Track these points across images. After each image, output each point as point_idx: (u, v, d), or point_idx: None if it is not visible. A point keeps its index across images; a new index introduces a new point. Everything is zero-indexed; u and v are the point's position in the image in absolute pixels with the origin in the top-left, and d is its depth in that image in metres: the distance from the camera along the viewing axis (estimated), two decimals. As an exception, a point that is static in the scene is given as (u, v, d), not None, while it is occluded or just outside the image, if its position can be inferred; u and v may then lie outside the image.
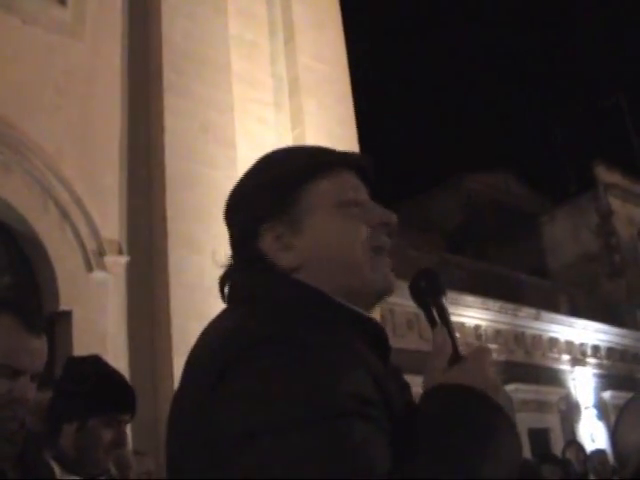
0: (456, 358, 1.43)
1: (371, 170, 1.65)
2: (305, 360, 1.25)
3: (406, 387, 1.52)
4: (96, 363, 2.95)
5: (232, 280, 1.54)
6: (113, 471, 2.93)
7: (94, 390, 2.75)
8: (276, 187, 1.52)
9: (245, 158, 9.46)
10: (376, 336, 1.49)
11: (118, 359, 8.55)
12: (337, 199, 1.52)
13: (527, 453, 16.47)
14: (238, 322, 1.37)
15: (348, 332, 1.37)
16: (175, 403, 1.42)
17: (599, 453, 10.24)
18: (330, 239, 1.49)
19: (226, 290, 1.56)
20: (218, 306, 1.55)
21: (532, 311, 19.10)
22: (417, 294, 1.54)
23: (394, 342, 1.59)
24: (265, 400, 1.21)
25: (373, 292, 1.53)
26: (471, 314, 17.35)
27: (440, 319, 1.51)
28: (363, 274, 1.49)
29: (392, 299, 1.59)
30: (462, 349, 1.48)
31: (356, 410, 1.21)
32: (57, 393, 2.78)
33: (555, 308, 20.72)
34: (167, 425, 1.44)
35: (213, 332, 1.42)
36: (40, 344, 2.06)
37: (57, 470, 2.60)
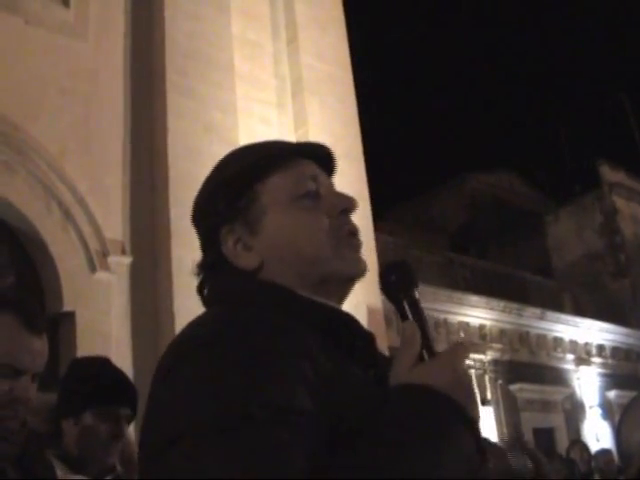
0: (429, 353, 1.36)
1: (331, 158, 1.64)
2: (232, 368, 1.22)
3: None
4: (102, 365, 2.96)
5: (202, 285, 1.55)
6: (120, 469, 2.93)
7: (91, 385, 2.77)
8: (228, 190, 1.52)
9: (248, 158, 9.44)
10: (346, 328, 1.46)
11: (122, 359, 8.54)
12: (291, 193, 1.51)
13: (532, 453, 16.45)
14: (188, 327, 1.38)
15: (301, 330, 1.33)
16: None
17: (605, 453, 10.23)
18: (286, 235, 1.48)
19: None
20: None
21: (536, 311, 19.11)
22: (388, 288, 1.46)
23: (397, 342, 1.57)
24: (183, 404, 1.21)
25: (343, 278, 1.51)
26: (475, 314, 17.36)
27: (412, 314, 1.43)
28: (327, 264, 1.47)
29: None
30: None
31: (273, 418, 1.17)
32: (60, 392, 2.79)
33: (559, 307, 20.73)
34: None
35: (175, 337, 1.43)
36: (41, 344, 2.06)
37: (60, 469, 2.60)
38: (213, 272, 1.53)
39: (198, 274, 1.56)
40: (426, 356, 1.36)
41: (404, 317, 1.43)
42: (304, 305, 1.43)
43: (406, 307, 1.43)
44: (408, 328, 1.39)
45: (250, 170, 1.53)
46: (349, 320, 1.47)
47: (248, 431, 1.15)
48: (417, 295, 1.45)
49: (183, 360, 1.27)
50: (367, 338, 1.49)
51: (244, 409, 1.17)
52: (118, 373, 2.94)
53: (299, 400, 1.21)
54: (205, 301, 1.53)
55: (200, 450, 1.15)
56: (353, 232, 1.54)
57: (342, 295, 1.53)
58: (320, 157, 1.62)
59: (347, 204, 1.55)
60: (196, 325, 1.37)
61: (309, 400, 1.22)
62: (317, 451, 1.16)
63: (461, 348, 1.39)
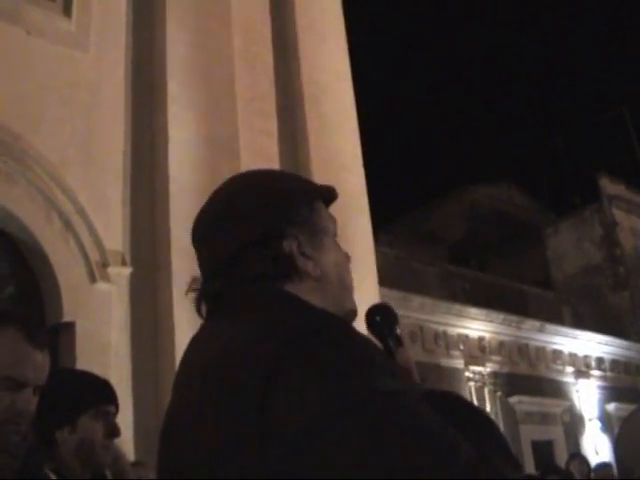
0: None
1: (332, 201, 1.75)
2: (357, 349, 1.31)
3: None
4: (83, 371, 3.05)
5: (247, 287, 1.52)
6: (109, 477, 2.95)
7: (83, 390, 2.80)
8: (297, 199, 1.59)
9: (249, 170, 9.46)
10: None
11: (121, 370, 8.54)
12: (333, 229, 1.65)
13: (531, 465, 16.45)
14: (271, 323, 1.38)
15: None
16: (185, 416, 1.42)
17: (604, 467, 10.21)
18: (337, 262, 1.62)
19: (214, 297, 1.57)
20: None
21: (536, 323, 19.09)
22: (374, 327, 1.71)
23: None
24: (333, 387, 1.24)
25: (352, 317, 1.64)
26: (475, 326, 17.34)
27: (395, 347, 1.67)
28: (348, 301, 1.63)
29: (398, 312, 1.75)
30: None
31: (415, 390, 1.33)
32: (47, 405, 2.80)
33: (559, 320, 20.71)
34: (168, 442, 1.45)
35: (232, 339, 1.40)
36: (43, 358, 2.08)
37: None
38: (262, 276, 1.52)
39: (220, 276, 1.55)
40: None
41: (389, 351, 1.66)
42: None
43: (390, 342, 1.67)
44: (402, 354, 1.66)
45: (314, 190, 1.67)
46: None
47: (407, 404, 1.25)
48: (399, 331, 1.71)
49: (299, 350, 1.29)
50: None
51: (393, 385, 1.27)
52: (97, 375, 3.02)
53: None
54: (241, 302, 1.51)
55: (363, 427, 1.20)
56: None
57: None
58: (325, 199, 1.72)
59: (349, 259, 1.70)
60: (280, 319, 1.40)
61: None
62: None
63: None
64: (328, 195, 1.69)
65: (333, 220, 1.66)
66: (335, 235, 1.65)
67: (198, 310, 1.58)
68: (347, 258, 1.66)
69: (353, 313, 1.62)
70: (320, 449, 1.19)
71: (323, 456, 1.19)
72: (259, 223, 1.53)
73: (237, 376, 1.31)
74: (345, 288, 1.61)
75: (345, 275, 1.62)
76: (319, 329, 1.32)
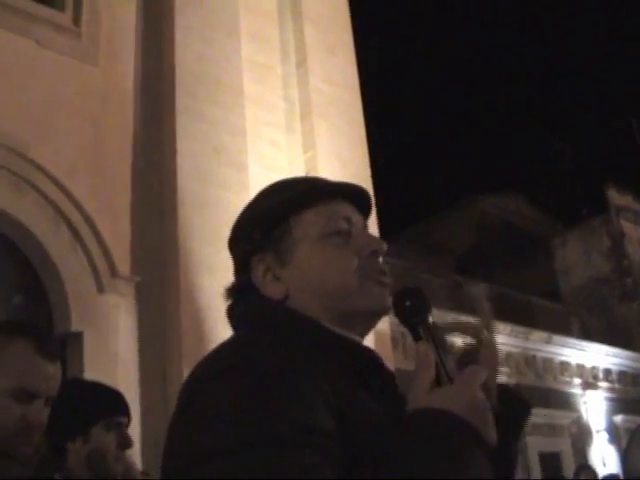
0: (446, 375, 1.38)
1: (367, 200, 1.72)
2: (259, 389, 1.27)
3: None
4: (95, 382, 3.13)
5: (231, 310, 1.61)
6: None
7: (96, 401, 2.82)
8: (264, 220, 1.59)
9: (257, 181, 9.50)
10: (366, 360, 1.52)
11: (129, 380, 8.55)
12: (323, 230, 1.57)
13: (538, 477, 16.39)
14: (213, 352, 1.43)
15: (322, 358, 1.40)
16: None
17: (612, 479, 10.17)
18: (314, 269, 1.55)
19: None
20: (229, 328, 1.60)
21: (543, 334, 19.03)
22: (402, 314, 1.49)
23: (403, 364, 1.64)
24: (212, 427, 1.25)
25: (367, 313, 1.57)
26: (482, 337, 17.27)
27: (427, 337, 1.44)
28: (351, 299, 1.53)
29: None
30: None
31: (301, 439, 1.21)
32: (60, 416, 2.81)
33: (566, 331, 20.65)
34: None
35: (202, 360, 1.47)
36: (54, 369, 2.09)
37: None
38: (242, 297, 1.59)
39: (227, 298, 1.62)
40: (444, 377, 1.37)
41: (418, 341, 1.45)
42: (325, 335, 1.49)
43: (421, 331, 1.45)
44: (421, 348, 1.41)
45: (287, 203, 1.60)
46: (370, 356, 1.54)
47: (277, 452, 1.19)
48: (431, 319, 1.48)
49: (209, 385, 1.32)
50: (386, 375, 1.56)
51: (271, 430, 1.21)
52: (109, 386, 3.06)
53: (321, 421, 1.26)
54: (233, 325, 1.59)
55: (228, 470, 1.19)
56: (381, 271, 1.59)
57: (366, 329, 1.59)
58: (358, 199, 1.69)
59: (377, 246, 1.61)
60: (220, 350, 1.42)
61: (331, 422, 1.28)
62: (338, 473, 1.21)
63: (477, 372, 1.39)
64: (347, 193, 1.66)
65: (334, 218, 1.59)
66: (334, 235, 1.57)
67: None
68: (364, 255, 1.57)
69: (360, 311, 1.54)
70: None
71: None
72: (234, 258, 1.64)
73: (178, 402, 1.39)
74: (334, 293, 1.52)
75: (334, 279, 1.53)
76: (233, 366, 1.32)
